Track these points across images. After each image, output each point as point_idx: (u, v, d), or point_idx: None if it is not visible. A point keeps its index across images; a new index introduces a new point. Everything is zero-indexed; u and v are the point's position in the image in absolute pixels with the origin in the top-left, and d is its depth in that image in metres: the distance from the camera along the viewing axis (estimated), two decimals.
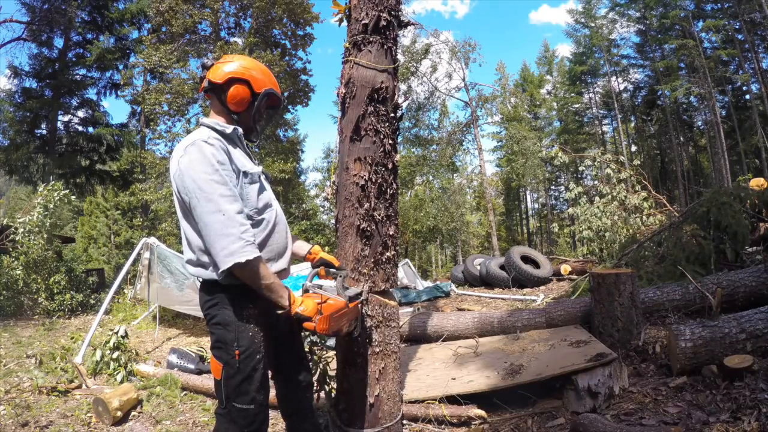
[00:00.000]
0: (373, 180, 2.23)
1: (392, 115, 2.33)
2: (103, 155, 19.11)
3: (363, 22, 2.26)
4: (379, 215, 2.24)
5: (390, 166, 2.30)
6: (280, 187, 17.09)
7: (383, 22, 2.27)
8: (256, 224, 1.74)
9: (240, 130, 1.83)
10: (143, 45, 16.29)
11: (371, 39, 2.27)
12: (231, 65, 1.81)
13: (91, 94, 18.86)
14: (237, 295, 1.68)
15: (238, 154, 1.77)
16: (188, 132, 15.79)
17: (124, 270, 5.62)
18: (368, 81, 2.25)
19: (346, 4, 2.41)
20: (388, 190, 2.29)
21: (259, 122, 1.93)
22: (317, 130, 68.76)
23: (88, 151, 18.84)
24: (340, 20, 2.45)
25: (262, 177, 1.88)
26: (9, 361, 4.87)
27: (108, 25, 18.41)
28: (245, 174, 1.73)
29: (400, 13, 2.39)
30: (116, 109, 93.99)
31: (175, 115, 16.07)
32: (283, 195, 18.82)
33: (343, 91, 2.30)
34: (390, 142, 2.30)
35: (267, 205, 1.81)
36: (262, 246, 1.73)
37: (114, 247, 25.12)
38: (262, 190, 1.80)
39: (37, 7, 16.15)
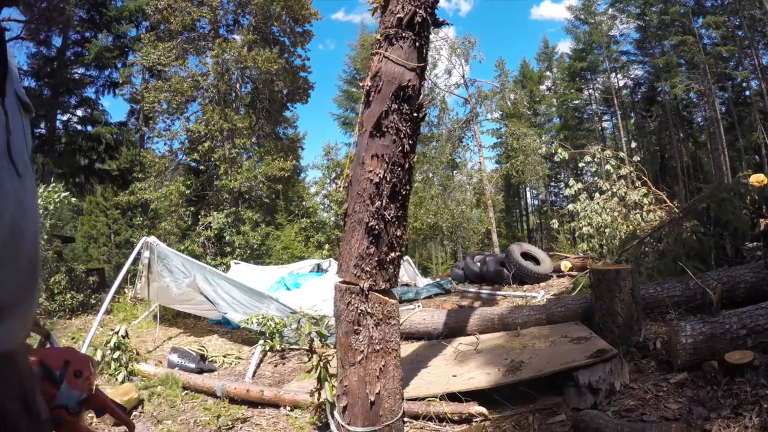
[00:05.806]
0: (388, 179, 2.19)
1: (415, 114, 2.27)
2: (102, 154, 19.10)
3: (398, 15, 2.21)
4: (390, 215, 2.20)
5: (407, 166, 2.25)
6: (280, 185, 17.02)
7: (418, 18, 2.21)
8: None
9: None
10: (142, 43, 16.22)
11: (404, 34, 2.22)
12: None
13: (89, 92, 18.92)
14: None
15: None
16: (188, 130, 15.88)
17: (124, 269, 5.62)
18: (395, 77, 2.19)
19: None
20: (402, 190, 2.24)
21: None
22: (317, 128, 68.42)
23: (87, 150, 18.83)
24: (375, 10, 2.39)
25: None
26: None
27: (106, 24, 18.37)
28: None
29: (436, 10, 2.30)
30: (115, 108, 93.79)
31: (174, 113, 16.02)
32: (283, 193, 18.73)
33: (369, 83, 2.24)
34: (410, 142, 2.24)
35: None
36: None
37: (114, 246, 25.12)
38: None
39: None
